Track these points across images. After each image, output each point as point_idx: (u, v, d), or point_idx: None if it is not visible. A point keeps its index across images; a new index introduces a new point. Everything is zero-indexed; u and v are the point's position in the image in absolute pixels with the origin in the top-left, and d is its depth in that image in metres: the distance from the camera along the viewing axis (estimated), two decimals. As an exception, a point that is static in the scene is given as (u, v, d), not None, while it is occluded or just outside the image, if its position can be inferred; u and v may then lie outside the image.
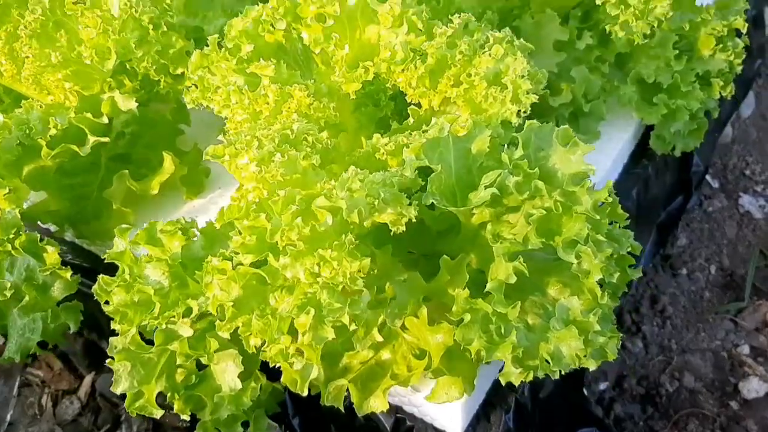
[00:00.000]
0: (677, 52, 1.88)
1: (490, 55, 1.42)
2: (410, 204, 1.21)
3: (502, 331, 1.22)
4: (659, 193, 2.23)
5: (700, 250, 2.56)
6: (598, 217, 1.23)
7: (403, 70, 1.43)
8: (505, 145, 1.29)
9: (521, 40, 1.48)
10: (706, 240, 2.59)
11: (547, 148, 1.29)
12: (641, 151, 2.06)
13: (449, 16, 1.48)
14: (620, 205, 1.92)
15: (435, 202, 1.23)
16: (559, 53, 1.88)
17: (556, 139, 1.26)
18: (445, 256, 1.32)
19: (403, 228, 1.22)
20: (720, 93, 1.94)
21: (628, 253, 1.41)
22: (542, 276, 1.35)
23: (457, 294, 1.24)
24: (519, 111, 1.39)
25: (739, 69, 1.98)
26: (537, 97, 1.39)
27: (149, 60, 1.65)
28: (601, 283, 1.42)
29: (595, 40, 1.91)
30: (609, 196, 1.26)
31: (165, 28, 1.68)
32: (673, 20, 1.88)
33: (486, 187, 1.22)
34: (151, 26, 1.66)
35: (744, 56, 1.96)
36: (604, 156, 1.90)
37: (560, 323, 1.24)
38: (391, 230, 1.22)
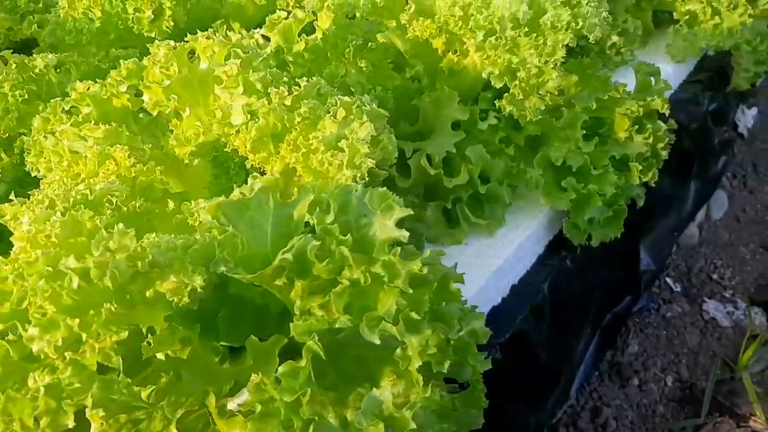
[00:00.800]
0: (585, 132, 1.74)
1: (333, 119, 1.30)
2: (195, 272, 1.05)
3: (296, 425, 1.03)
4: (592, 290, 2.03)
5: (656, 359, 2.30)
6: (411, 291, 1.06)
7: (237, 132, 1.31)
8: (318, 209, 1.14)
9: (373, 105, 1.36)
10: (663, 348, 2.34)
11: (370, 215, 1.14)
12: (561, 241, 1.87)
13: (296, 78, 1.37)
14: (526, 298, 1.74)
15: (226, 270, 1.07)
16: (457, 133, 1.75)
17: (368, 202, 1.10)
18: (252, 337, 1.15)
19: (186, 299, 1.05)
20: (640, 178, 1.77)
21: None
22: (381, 365, 1.17)
23: (251, 380, 1.06)
24: (356, 177, 1.24)
25: (664, 154, 1.82)
26: (373, 162, 1.24)
27: (3, 128, 1.56)
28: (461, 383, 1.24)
29: (503, 122, 1.78)
30: (425, 267, 1.08)
31: (27, 96, 1.60)
32: (581, 98, 1.74)
33: (284, 253, 1.06)
34: (10, 93, 1.58)
35: (667, 140, 1.80)
36: (506, 243, 1.72)
37: (367, 418, 1.05)
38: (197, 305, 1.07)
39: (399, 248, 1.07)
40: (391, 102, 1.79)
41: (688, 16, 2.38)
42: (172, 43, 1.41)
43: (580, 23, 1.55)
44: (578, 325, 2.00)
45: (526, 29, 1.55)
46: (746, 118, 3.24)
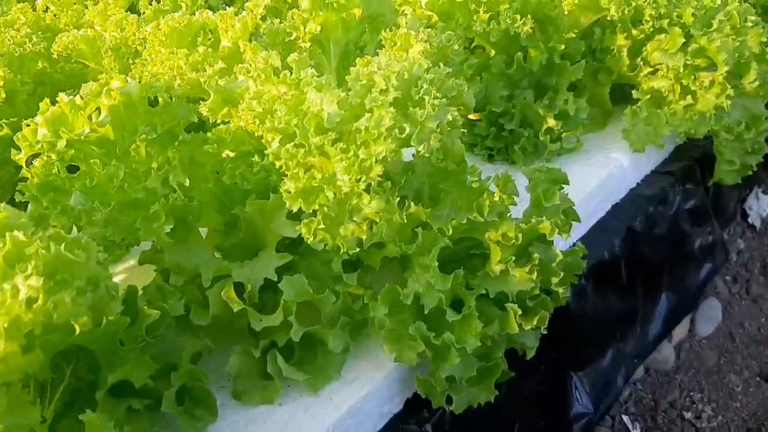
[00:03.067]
0: (443, 262, 1.31)
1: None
2: None
3: None
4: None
5: None
6: None
7: None
8: None
9: (68, 248, 0.98)
10: None
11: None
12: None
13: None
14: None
15: None
16: (282, 255, 1.36)
17: None
18: None
19: None
20: (520, 325, 1.32)
21: None
22: None
23: None
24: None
25: (563, 293, 1.37)
26: None
27: None
28: None
29: (351, 241, 1.36)
30: None
31: None
32: (438, 218, 1.32)
33: None
34: None
35: (563, 275, 1.35)
36: (331, 406, 1.30)
37: None
38: None
39: None
40: (211, 209, 1.42)
41: (650, 96, 1.91)
42: None
43: (408, 129, 1.14)
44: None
45: (334, 135, 1.15)
46: (760, 204, 2.70)
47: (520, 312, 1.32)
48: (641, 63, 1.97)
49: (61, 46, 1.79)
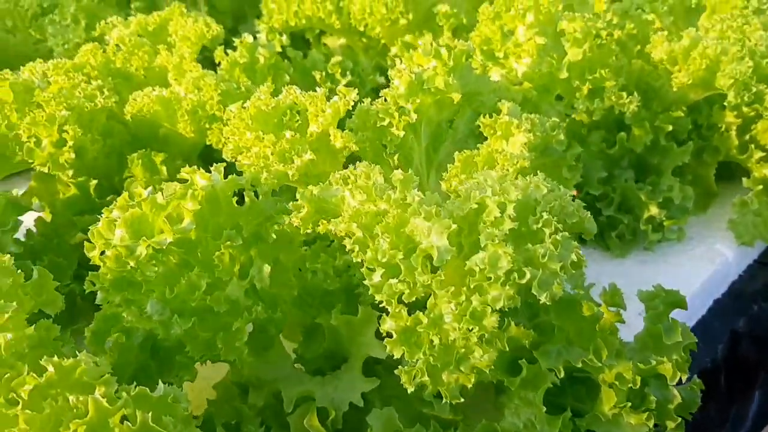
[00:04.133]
0: (551, 400, 1.19)
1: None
2: None
3: None
4: None
5: None
6: None
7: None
8: None
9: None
10: None
11: None
12: None
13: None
14: None
15: None
16: (370, 380, 1.25)
17: None
18: None
19: None
20: (631, 478, 1.19)
21: None
22: None
23: None
24: None
25: (676, 440, 1.23)
26: None
27: None
28: None
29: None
30: None
31: None
32: (548, 355, 1.19)
33: None
34: None
35: (679, 421, 1.21)
36: None
37: None
38: None
39: None
40: (293, 309, 1.32)
41: (762, 186, 1.75)
42: None
43: (528, 275, 1.01)
44: None
45: (442, 277, 1.03)
46: None
47: (634, 465, 1.18)
48: (752, 145, 1.80)
49: (135, 108, 1.69)
